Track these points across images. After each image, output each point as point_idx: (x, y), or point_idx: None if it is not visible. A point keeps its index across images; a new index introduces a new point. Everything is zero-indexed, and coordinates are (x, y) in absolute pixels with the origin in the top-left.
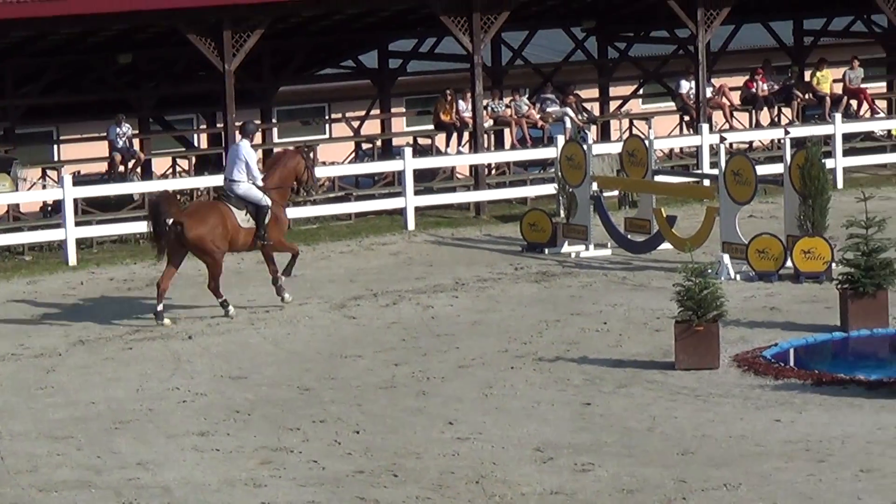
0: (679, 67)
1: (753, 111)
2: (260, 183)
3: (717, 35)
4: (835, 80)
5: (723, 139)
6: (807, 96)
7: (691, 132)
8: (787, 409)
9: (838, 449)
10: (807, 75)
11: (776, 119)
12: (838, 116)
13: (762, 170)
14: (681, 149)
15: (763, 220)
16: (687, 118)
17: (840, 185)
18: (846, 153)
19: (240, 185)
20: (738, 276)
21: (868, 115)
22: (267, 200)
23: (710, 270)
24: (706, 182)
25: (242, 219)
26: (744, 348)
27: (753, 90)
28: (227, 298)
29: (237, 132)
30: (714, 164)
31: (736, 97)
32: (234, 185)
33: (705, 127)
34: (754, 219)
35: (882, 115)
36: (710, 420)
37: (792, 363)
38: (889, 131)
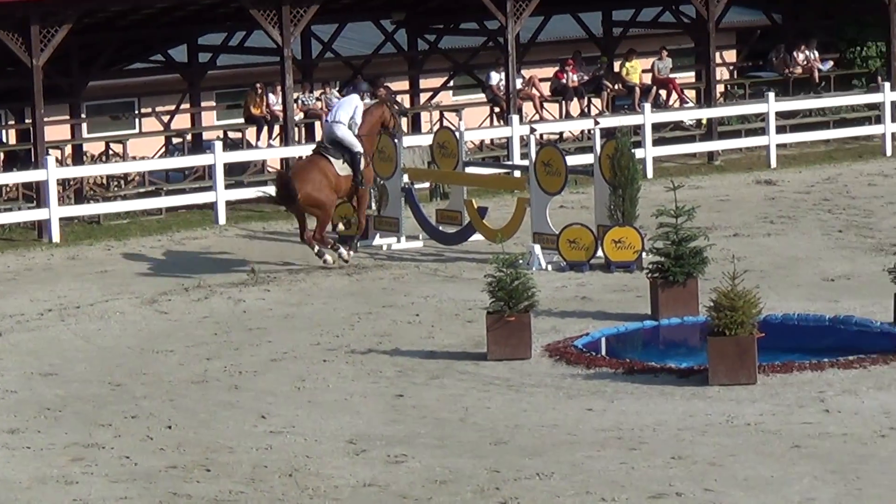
0: (489, 59)
1: (563, 102)
2: (356, 130)
3: (527, 26)
4: (644, 71)
5: (533, 130)
6: (616, 87)
7: (502, 123)
8: (599, 398)
9: (650, 436)
10: (616, 66)
11: (586, 110)
12: (647, 106)
13: (572, 160)
14: (491, 140)
15: (574, 211)
16: (497, 109)
17: (650, 174)
18: (656, 143)
19: (340, 127)
20: (549, 267)
21: (677, 104)
22: (360, 147)
23: (521, 261)
24: (517, 173)
25: (340, 167)
26: (555, 338)
27: (563, 81)
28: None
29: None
30: (525, 155)
31: (546, 88)
32: (336, 127)
33: (515, 118)
34: (565, 209)
35: (691, 104)
36: (523, 410)
37: (603, 352)
38: (699, 120)
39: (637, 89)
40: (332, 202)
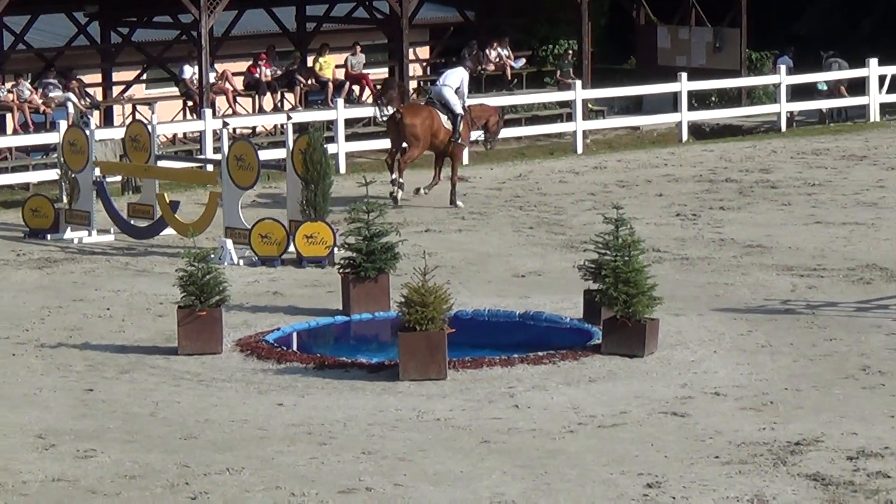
0: (182, 53)
1: (257, 96)
2: (465, 101)
3: (221, 20)
4: (337, 66)
5: (226, 124)
6: (309, 82)
7: (194, 117)
8: (290, 393)
9: (340, 431)
10: (310, 61)
11: (279, 104)
12: (340, 102)
13: (265, 155)
14: (184, 134)
15: (266, 205)
16: (190, 103)
17: (343, 169)
18: (349, 138)
19: (448, 90)
20: (241, 261)
21: (370, 100)
22: (461, 110)
23: (212, 255)
24: (209, 167)
25: (445, 121)
26: (247, 333)
27: (257, 75)
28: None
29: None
30: (217, 150)
31: (239, 82)
32: (444, 89)
33: (208, 112)
34: (258, 204)
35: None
36: (213, 405)
37: (295, 347)
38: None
39: (330, 84)
40: (427, 141)
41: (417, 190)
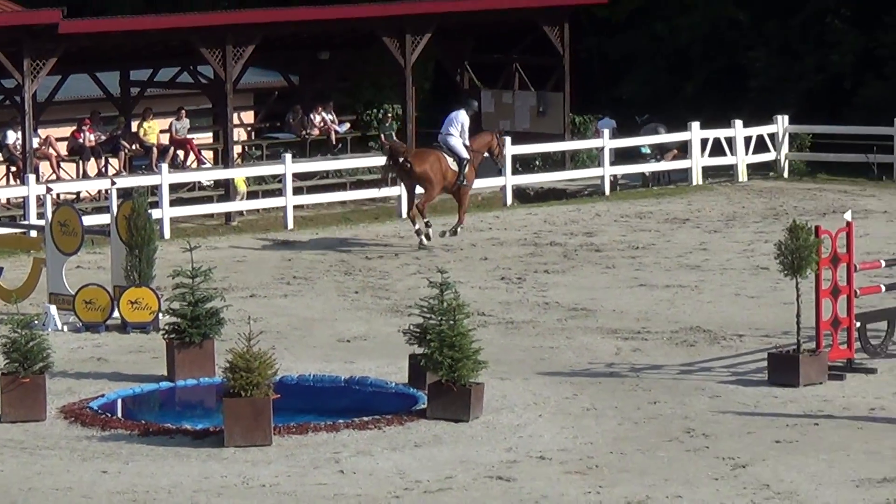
0: (5, 118)
1: (81, 161)
2: (466, 142)
3: (44, 85)
4: (162, 131)
5: (49, 190)
6: (134, 146)
7: (18, 183)
8: (115, 460)
9: (165, 499)
10: (134, 126)
11: (104, 169)
12: (165, 167)
13: (89, 220)
14: (8, 199)
15: (91, 271)
16: (14, 169)
17: (167, 234)
18: (173, 203)
19: (452, 139)
20: (65, 328)
21: (195, 165)
22: (467, 155)
23: (36, 322)
24: (33, 233)
25: (451, 163)
26: (71, 400)
27: (80, 140)
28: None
29: (462, 105)
30: (41, 215)
31: (63, 147)
32: (449, 138)
33: (32, 177)
34: (82, 269)
35: (208, 164)
36: (37, 473)
37: (119, 414)
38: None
39: (155, 149)
40: (440, 182)
41: (443, 233)
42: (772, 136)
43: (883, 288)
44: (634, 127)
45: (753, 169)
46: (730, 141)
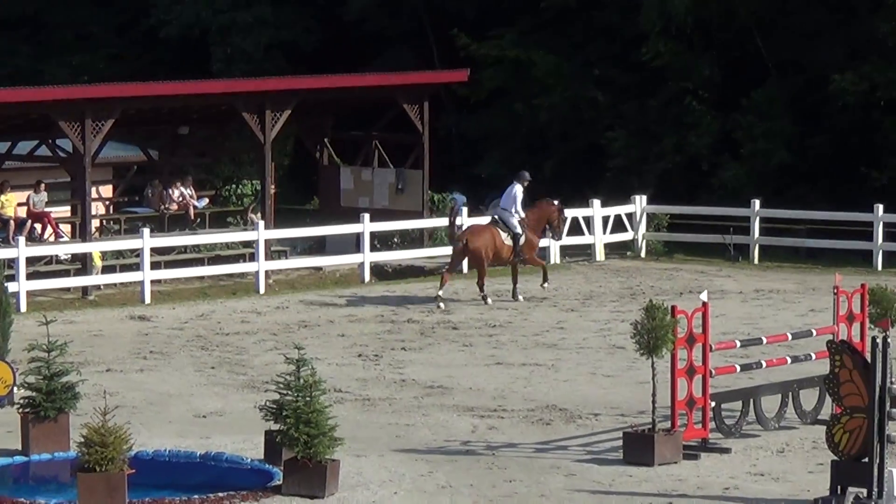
0: None
1: None
2: (521, 215)
3: None
4: (19, 204)
5: None
6: None
7: None
8: None
9: None
10: None
11: None
12: (22, 240)
13: None
14: None
15: None
16: None
17: (23, 308)
18: (30, 276)
19: (504, 213)
20: None
21: (52, 238)
22: (520, 230)
23: None
24: None
25: (505, 238)
26: None
27: None
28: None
29: (515, 179)
30: None
31: None
32: (504, 213)
33: None
34: None
35: (66, 238)
36: None
37: None
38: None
39: (12, 222)
40: (488, 259)
41: (515, 296)
42: (630, 215)
43: (738, 368)
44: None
45: (611, 248)
46: (588, 220)
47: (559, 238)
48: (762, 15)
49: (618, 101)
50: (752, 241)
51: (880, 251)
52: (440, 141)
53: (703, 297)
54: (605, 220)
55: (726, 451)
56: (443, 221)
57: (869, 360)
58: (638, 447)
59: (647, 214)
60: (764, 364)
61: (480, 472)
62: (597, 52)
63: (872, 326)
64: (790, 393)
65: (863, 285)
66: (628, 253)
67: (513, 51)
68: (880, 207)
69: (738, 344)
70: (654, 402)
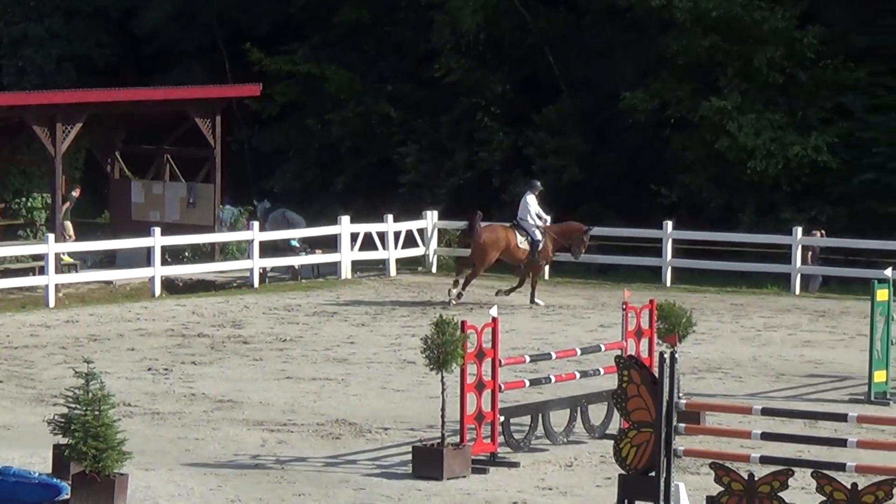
0: None
1: None
2: (540, 224)
3: None
4: None
5: None
6: None
7: None
8: None
9: None
10: None
11: None
12: None
13: None
14: None
15: None
16: None
17: None
18: None
19: (524, 222)
20: None
21: None
22: (539, 237)
23: None
24: None
25: (521, 241)
26: None
27: None
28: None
29: (527, 189)
30: None
31: None
32: (522, 222)
33: None
34: None
35: None
36: None
37: None
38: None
39: None
40: (490, 260)
41: (498, 292)
42: (421, 231)
43: (527, 383)
44: (287, 222)
45: (402, 263)
46: (382, 235)
47: (577, 257)
48: (554, 32)
49: (410, 116)
50: None
51: (669, 267)
52: (233, 155)
53: (493, 312)
54: (397, 235)
55: (515, 465)
56: (235, 236)
57: (657, 375)
58: (427, 461)
59: (439, 230)
60: (553, 379)
61: (269, 486)
62: (390, 67)
63: (660, 342)
64: (579, 408)
65: (651, 301)
66: (420, 268)
67: (305, 65)
68: (669, 224)
69: (528, 359)
70: (443, 416)
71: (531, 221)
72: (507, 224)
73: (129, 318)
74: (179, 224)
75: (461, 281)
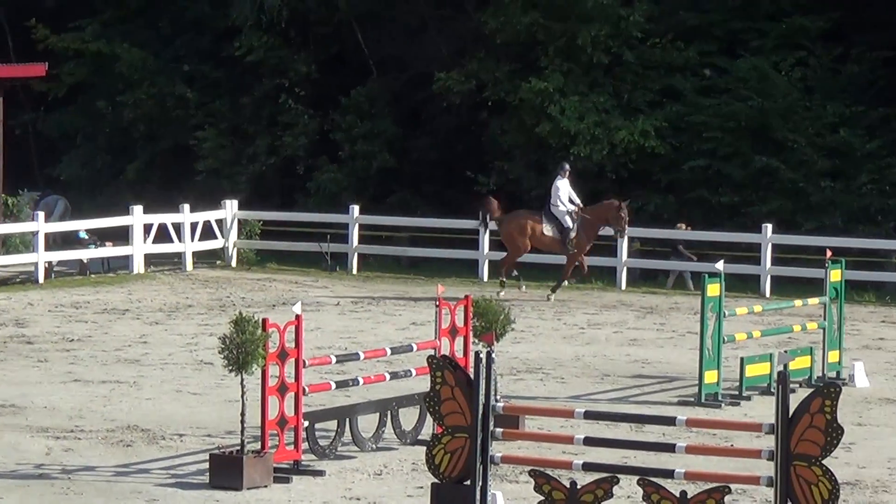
0: None
1: None
2: (569, 208)
3: None
4: None
5: None
6: None
7: None
8: None
9: None
10: None
11: None
12: None
13: None
14: None
15: None
16: None
17: None
18: None
19: (554, 208)
20: None
21: None
22: (569, 223)
23: None
24: None
25: (547, 228)
26: None
27: None
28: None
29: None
30: None
31: None
32: (553, 208)
33: None
34: None
35: None
36: None
37: None
38: None
39: None
40: (522, 246)
41: (548, 297)
42: (220, 222)
43: (333, 385)
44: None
45: (200, 257)
46: (177, 227)
47: (622, 236)
48: (363, 9)
49: (208, 98)
50: (351, 249)
51: (486, 260)
52: (15, 140)
53: (297, 309)
54: (194, 226)
55: (320, 473)
56: (18, 228)
57: (472, 376)
58: (225, 470)
59: (239, 220)
60: (361, 381)
61: (55, 498)
62: (186, 45)
63: (476, 341)
64: (389, 412)
65: (467, 297)
66: (218, 262)
67: (95, 44)
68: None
69: (334, 359)
70: (243, 421)
71: (562, 208)
72: (536, 211)
73: None
74: None
75: (499, 273)
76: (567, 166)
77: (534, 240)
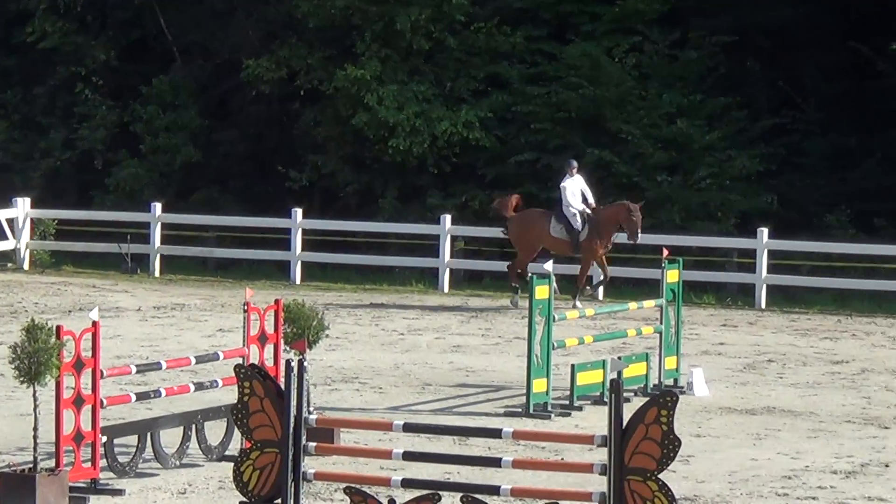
0: None
1: None
2: (579, 208)
3: None
4: None
5: None
6: None
7: None
8: None
9: None
10: None
11: None
12: None
13: None
14: None
15: None
16: None
17: None
18: None
19: (566, 209)
20: None
21: None
22: (578, 224)
23: None
24: None
25: (555, 228)
26: None
27: None
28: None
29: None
30: None
31: None
32: (564, 207)
33: None
34: None
35: None
36: None
37: None
38: None
39: None
40: (529, 247)
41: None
42: (11, 221)
43: (133, 397)
44: None
45: None
46: None
47: (634, 241)
48: None
49: None
50: (154, 250)
51: (298, 262)
52: None
53: (94, 315)
54: None
55: (119, 493)
56: None
57: (283, 387)
58: (17, 490)
59: (32, 220)
60: (164, 392)
61: None
62: None
63: (288, 348)
64: (193, 425)
65: (277, 301)
66: (9, 265)
67: None
68: (299, 212)
69: (134, 369)
70: (35, 437)
71: (573, 209)
72: (548, 211)
73: None
74: None
75: (515, 279)
76: (574, 163)
77: (542, 240)
